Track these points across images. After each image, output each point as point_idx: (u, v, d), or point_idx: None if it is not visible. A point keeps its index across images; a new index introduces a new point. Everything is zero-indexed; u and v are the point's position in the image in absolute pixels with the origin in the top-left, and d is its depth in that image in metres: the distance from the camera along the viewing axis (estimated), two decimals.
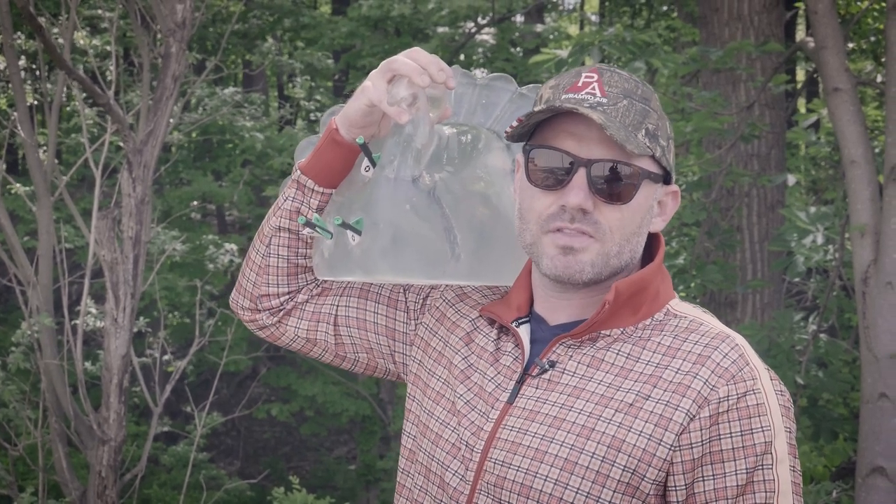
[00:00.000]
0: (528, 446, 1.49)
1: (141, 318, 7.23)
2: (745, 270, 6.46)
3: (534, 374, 1.56)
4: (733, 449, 1.45)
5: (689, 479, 1.46)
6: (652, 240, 1.61)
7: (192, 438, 7.82)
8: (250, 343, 9.79)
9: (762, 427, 1.46)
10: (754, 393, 1.47)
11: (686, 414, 1.45)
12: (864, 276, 4.43)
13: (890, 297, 4.34)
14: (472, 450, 1.55)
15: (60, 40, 5.86)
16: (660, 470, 1.45)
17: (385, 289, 1.78)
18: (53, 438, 5.78)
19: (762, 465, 1.45)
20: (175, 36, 5.33)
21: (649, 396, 1.47)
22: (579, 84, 1.52)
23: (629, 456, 1.45)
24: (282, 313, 1.79)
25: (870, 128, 6.85)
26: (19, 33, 7.72)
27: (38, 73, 7.85)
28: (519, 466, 1.49)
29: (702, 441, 1.45)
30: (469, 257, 1.66)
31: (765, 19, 6.41)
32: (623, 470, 1.45)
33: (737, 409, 1.45)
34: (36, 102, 8.43)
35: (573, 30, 13.83)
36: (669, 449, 1.45)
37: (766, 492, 1.45)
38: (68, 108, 8.95)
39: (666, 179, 1.57)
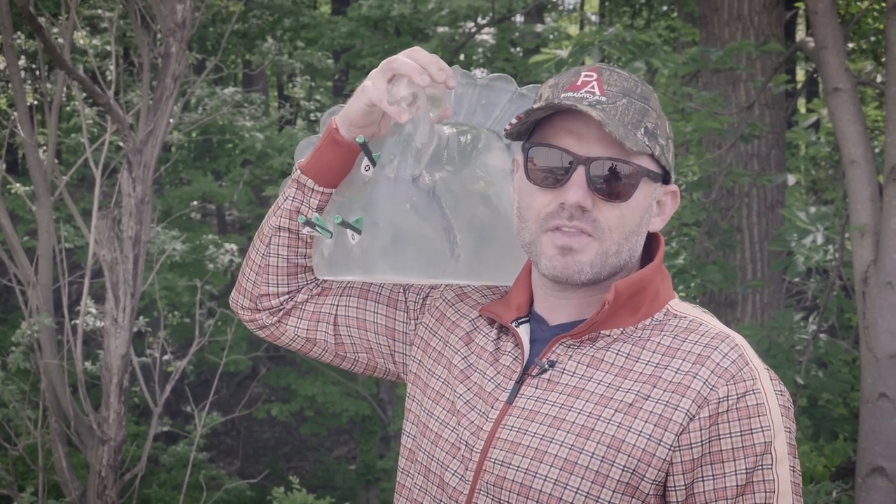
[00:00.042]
0: (528, 446, 1.49)
1: (141, 318, 7.23)
2: (745, 270, 6.46)
3: (533, 373, 1.56)
4: (733, 449, 1.45)
5: (688, 479, 1.46)
6: (651, 240, 1.61)
7: (191, 438, 7.82)
8: (250, 343, 9.79)
9: (762, 427, 1.45)
10: (754, 393, 1.46)
11: (686, 414, 1.45)
12: (864, 276, 4.43)
13: (890, 297, 4.34)
14: (472, 449, 1.55)
15: (60, 40, 5.86)
16: (659, 470, 1.45)
17: (385, 289, 1.78)
18: (53, 438, 5.78)
19: (762, 465, 1.45)
20: (175, 36, 5.33)
21: (649, 396, 1.47)
22: (578, 83, 1.52)
23: (629, 456, 1.45)
24: (281, 313, 1.79)
25: (870, 128, 6.84)
26: (19, 33, 7.72)
27: (38, 72, 7.85)
28: (518, 466, 1.49)
29: (701, 441, 1.45)
30: (469, 257, 1.66)
31: (765, 19, 6.41)
32: (623, 470, 1.45)
33: (736, 409, 1.45)
34: (36, 102, 8.43)
35: (573, 30, 13.83)
36: (669, 449, 1.45)
37: (765, 492, 1.45)
38: (68, 108, 8.95)
39: (665, 179, 1.57)
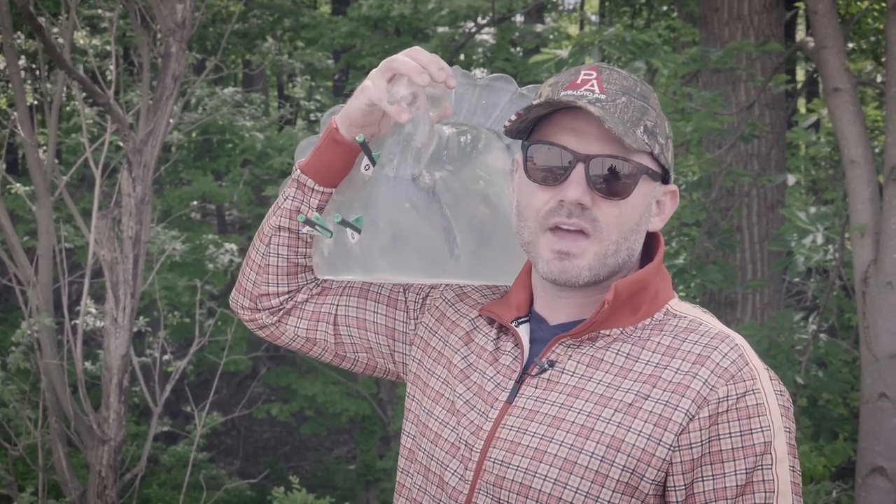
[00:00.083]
0: (528, 446, 1.49)
1: (141, 318, 7.23)
2: (745, 270, 6.46)
3: (533, 373, 1.56)
4: (733, 449, 1.45)
5: (688, 479, 1.46)
6: (651, 240, 1.61)
7: (191, 438, 7.82)
8: (250, 343, 9.79)
9: (761, 427, 1.45)
10: (754, 393, 1.46)
11: (685, 414, 1.45)
12: (864, 276, 4.43)
13: (890, 297, 4.34)
14: (472, 449, 1.55)
15: (60, 40, 5.86)
16: (659, 470, 1.45)
17: (385, 288, 1.78)
18: (53, 438, 5.78)
19: (762, 465, 1.45)
20: (175, 36, 5.33)
21: (649, 396, 1.47)
22: (578, 81, 1.52)
23: (628, 456, 1.45)
24: (281, 313, 1.79)
25: (870, 128, 6.84)
26: (19, 33, 7.72)
27: (38, 72, 7.85)
28: (518, 466, 1.49)
29: (701, 441, 1.45)
30: (469, 257, 1.65)
31: (765, 19, 6.41)
32: (622, 470, 1.45)
33: (736, 409, 1.45)
34: (36, 102, 8.44)
35: (573, 30, 13.83)
36: (669, 449, 1.45)
37: (765, 492, 1.45)
38: (68, 108, 8.95)
39: (664, 178, 1.57)
